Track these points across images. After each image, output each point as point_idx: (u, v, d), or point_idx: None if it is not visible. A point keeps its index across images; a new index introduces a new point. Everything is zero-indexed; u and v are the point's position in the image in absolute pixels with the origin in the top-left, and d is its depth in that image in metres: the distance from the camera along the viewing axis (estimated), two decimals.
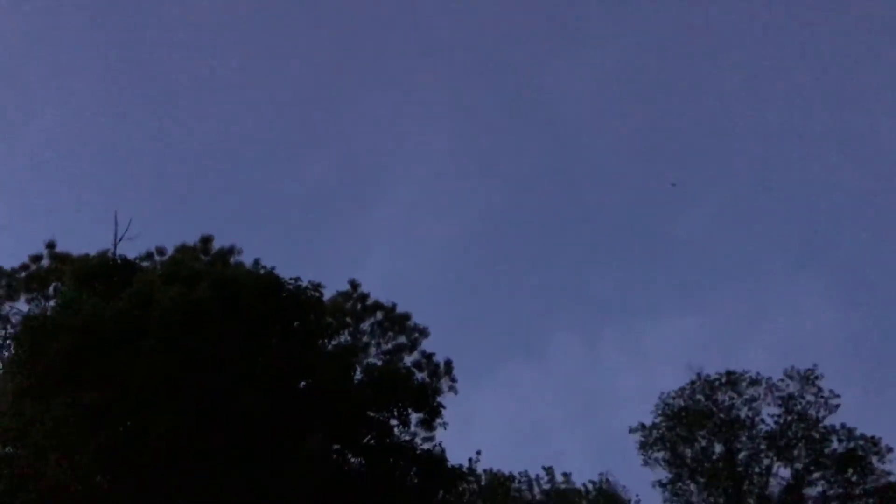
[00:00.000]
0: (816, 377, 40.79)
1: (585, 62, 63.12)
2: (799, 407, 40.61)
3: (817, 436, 40.03)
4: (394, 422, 27.22)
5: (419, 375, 30.24)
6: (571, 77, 63.15)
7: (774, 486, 40.50)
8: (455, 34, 64.70)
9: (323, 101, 63.20)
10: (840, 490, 39.66)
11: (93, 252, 27.35)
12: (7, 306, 30.89)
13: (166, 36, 62.01)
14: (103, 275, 25.28)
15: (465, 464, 30.73)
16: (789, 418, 40.54)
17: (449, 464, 27.46)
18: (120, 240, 27.36)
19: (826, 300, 53.24)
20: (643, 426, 42.15)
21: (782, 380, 41.08)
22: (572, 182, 61.36)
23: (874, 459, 39.48)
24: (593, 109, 63.97)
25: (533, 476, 40.22)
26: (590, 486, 40.45)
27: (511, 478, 38.90)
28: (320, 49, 63.67)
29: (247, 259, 29.14)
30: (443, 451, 27.81)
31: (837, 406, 40.44)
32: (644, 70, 62.41)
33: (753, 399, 41.08)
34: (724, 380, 41.58)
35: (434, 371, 31.09)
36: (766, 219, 59.26)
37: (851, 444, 39.72)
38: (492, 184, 61.95)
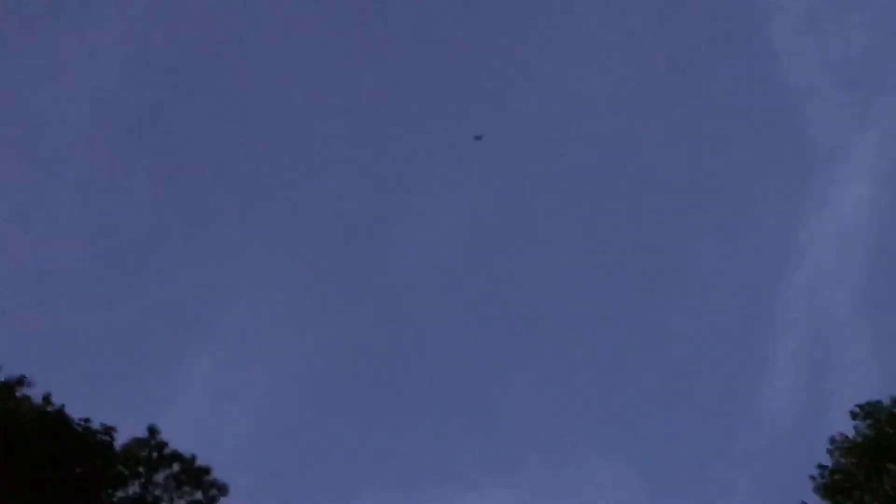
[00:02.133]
0: None
1: (430, 222, 63.70)
2: None
3: None
4: None
5: None
6: (414, 235, 63.52)
7: None
8: (300, 182, 64.40)
9: (151, 235, 61.02)
10: None
11: None
12: None
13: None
14: None
15: None
16: None
17: None
18: None
19: (627, 479, 53.80)
20: None
21: None
22: (401, 343, 60.74)
23: None
24: (432, 270, 64.27)
25: None
26: None
27: None
28: (161, 186, 62.07)
29: (38, 393, 26.99)
30: None
31: None
32: (484, 235, 63.46)
33: None
34: None
35: None
36: (581, 397, 60.05)
37: None
38: (318, 338, 60.58)
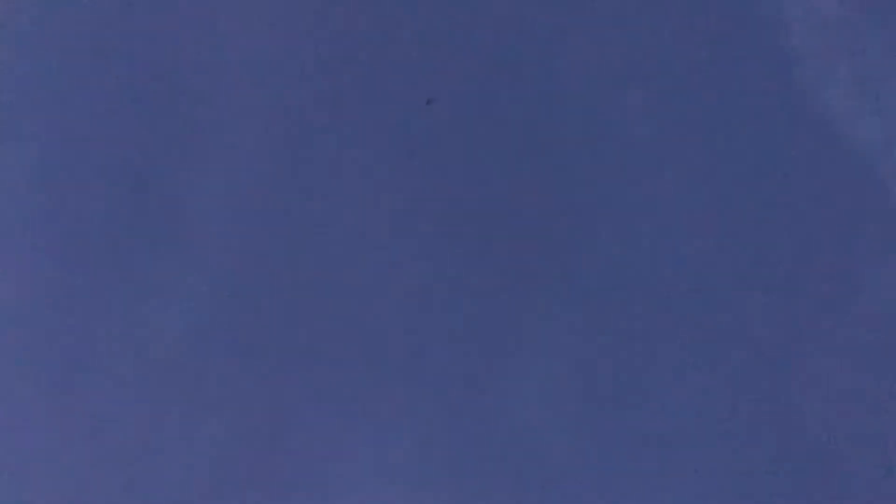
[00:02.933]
0: None
1: (533, 367, 61.15)
2: None
3: None
4: None
5: None
6: (521, 383, 61.01)
7: None
8: (401, 346, 62.97)
9: (268, 413, 60.34)
10: None
11: None
12: None
13: None
14: None
15: None
16: None
17: None
18: None
19: None
20: None
21: None
22: (525, 494, 57.79)
23: None
24: (543, 415, 61.47)
25: None
26: None
27: None
28: (266, 357, 61.77)
29: None
30: None
31: None
32: (592, 375, 60.45)
33: None
34: None
35: None
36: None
37: None
38: (449, 494, 58.02)
